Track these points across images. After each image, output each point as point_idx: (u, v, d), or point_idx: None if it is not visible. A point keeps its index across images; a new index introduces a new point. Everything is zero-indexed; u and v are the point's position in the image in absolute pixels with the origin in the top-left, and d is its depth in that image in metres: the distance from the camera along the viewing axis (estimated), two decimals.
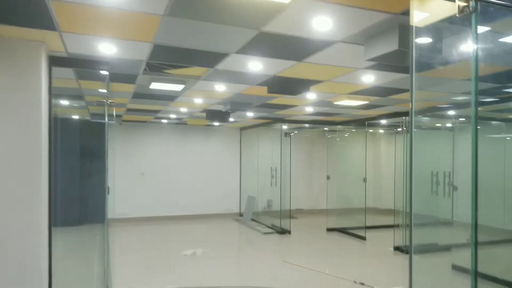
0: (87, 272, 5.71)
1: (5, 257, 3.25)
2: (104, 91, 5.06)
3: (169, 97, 6.17)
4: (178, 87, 5.07)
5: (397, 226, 7.68)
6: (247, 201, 10.72)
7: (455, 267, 6.08)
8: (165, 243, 7.69)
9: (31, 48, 3.31)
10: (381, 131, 11.82)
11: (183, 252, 6.78)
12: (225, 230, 9.28)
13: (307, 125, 10.00)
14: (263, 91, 5.39)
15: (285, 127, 10.07)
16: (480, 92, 1.83)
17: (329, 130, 11.06)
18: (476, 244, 1.81)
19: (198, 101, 6.52)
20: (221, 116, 7.76)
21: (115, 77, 4.82)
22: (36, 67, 3.32)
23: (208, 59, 3.92)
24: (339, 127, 10.13)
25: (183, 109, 7.64)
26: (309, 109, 7.43)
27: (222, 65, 4.14)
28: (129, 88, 5.49)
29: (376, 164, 12.04)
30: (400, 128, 9.02)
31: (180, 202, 10.65)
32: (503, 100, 6.26)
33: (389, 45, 2.93)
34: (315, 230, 9.26)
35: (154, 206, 10.41)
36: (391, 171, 11.16)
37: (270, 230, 9.04)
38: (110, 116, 7.89)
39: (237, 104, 6.54)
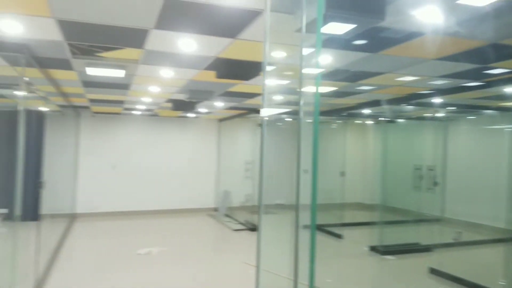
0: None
1: None
2: (26, 78, 4.62)
3: (120, 85, 5.75)
4: (120, 73, 4.64)
5: (373, 223, 7.25)
6: (222, 195, 10.32)
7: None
8: (125, 240, 7.30)
9: None
10: (360, 121, 11.33)
11: (137, 251, 6.39)
12: (194, 226, 8.88)
13: (284, 116, 9.53)
14: (212, 76, 4.95)
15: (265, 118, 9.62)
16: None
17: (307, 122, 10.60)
18: None
19: (154, 89, 6.08)
20: (187, 106, 7.33)
21: (47, 63, 4.40)
22: None
23: (130, 38, 3.48)
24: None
25: (146, 99, 7.21)
26: (278, 98, 6.97)
27: (150, 45, 3.70)
28: (72, 75, 5.06)
29: (361, 157, 11.56)
30: (379, 118, 8.57)
31: (153, 197, 10.27)
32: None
33: None
34: (290, 227, 8.81)
35: (126, 200, 10.03)
36: (368, 164, 10.72)
37: (241, 227, 8.64)
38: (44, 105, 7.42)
39: (197, 92, 6.10)
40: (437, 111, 8.27)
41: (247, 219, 9.03)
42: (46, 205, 7.56)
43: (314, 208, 1.83)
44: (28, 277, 4.75)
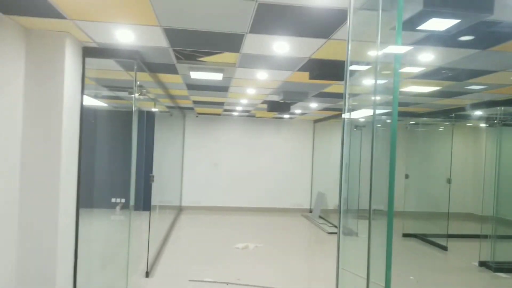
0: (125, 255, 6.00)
1: (36, 238, 3.49)
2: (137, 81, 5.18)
3: (220, 87, 6.11)
4: (218, 76, 4.95)
5: (484, 236, 6.49)
6: (316, 197, 10.25)
7: None
8: (224, 234, 7.72)
9: (54, 39, 3.48)
10: (470, 124, 10.18)
11: (235, 245, 6.70)
12: (288, 226, 8.98)
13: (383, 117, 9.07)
14: (306, 77, 4.97)
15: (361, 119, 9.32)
16: None
17: (410, 123, 9.91)
18: None
19: (251, 91, 6.33)
20: (282, 107, 7.46)
21: (156, 68, 4.90)
22: (59, 58, 3.48)
23: (228, 42, 3.70)
24: (422, 119, 9.00)
25: (243, 101, 7.54)
26: (368, 98, 6.68)
27: (246, 48, 3.88)
28: (177, 78, 5.55)
29: (463, 163, 10.42)
30: (494, 120, 7.64)
31: (250, 194, 10.66)
32: None
33: None
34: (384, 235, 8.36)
35: (225, 196, 10.60)
36: (479, 171, 9.58)
37: (336, 230, 8.46)
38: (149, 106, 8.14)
39: (290, 93, 6.19)
40: None
41: (343, 223, 8.84)
42: (157, 197, 8.42)
43: (391, 214, 1.76)
44: (141, 260, 5.37)
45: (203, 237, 7.42)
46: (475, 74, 4.55)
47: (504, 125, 6.66)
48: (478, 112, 7.76)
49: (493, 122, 8.03)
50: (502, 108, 6.61)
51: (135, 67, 4.28)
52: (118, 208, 9.47)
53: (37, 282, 3.48)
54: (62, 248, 3.61)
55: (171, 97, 7.41)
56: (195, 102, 8.02)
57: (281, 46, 3.76)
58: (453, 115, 7.98)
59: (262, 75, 5.06)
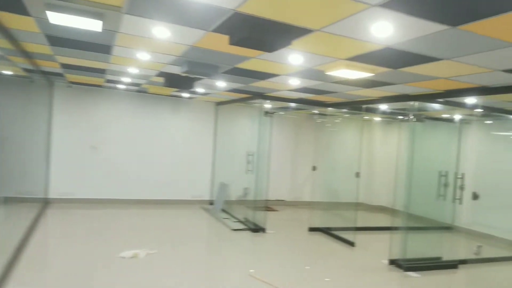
0: None
1: None
2: None
3: (100, 46, 4.44)
4: (95, 24, 3.34)
5: (395, 229, 6.18)
6: (219, 188, 9.15)
7: None
8: (105, 238, 6.05)
9: None
10: (379, 118, 10.21)
11: (121, 254, 5.18)
12: (187, 223, 7.68)
13: (293, 104, 8.32)
14: (223, 42, 3.69)
15: (268, 106, 8.39)
16: None
17: (318, 113, 9.42)
18: None
19: (144, 56, 4.78)
20: (183, 82, 6.05)
21: None
22: None
23: None
24: (330, 109, 8.50)
25: (133, 70, 5.89)
26: (295, 82, 5.75)
27: None
28: (30, 24, 3.73)
29: (370, 156, 10.47)
30: (406, 116, 7.48)
31: (139, 185, 9.02)
32: None
33: None
34: (295, 229, 7.73)
35: (107, 186, 8.76)
36: (389, 165, 9.70)
37: (242, 226, 7.51)
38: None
39: (197, 65, 4.83)
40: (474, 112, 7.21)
41: (247, 217, 7.92)
42: (5, 187, 6.31)
43: None
44: None
45: (76, 242, 5.67)
46: (417, 60, 3.84)
47: (417, 120, 6.40)
48: (393, 106, 7.48)
49: (406, 117, 7.91)
50: (417, 103, 6.31)
51: None
52: None
53: None
54: None
55: (27, 55, 5.36)
56: (64, 65, 6.04)
57: None
58: (362, 108, 7.57)
59: (161, 31, 3.60)
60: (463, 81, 4.63)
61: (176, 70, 5.42)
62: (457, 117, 7.76)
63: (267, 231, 7.31)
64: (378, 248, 6.71)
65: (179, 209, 8.86)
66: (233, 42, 3.36)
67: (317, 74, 4.99)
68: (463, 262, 6.09)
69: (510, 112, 6.73)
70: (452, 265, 5.93)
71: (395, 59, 3.86)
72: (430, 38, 3.11)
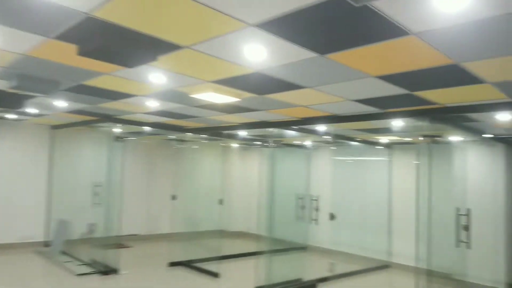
0: None
1: None
2: None
3: None
4: None
5: (260, 253, 6.14)
6: (57, 226, 7.71)
7: None
8: None
9: None
10: (237, 144, 10.37)
11: None
12: (16, 272, 6.10)
13: (148, 128, 7.69)
14: (69, 52, 3.01)
15: (118, 130, 7.57)
16: None
17: (177, 139, 8.99)
18: None
19: None
20: (10, 101, 4.87)
21: None
22: None
23: None
24: (189, 135, 8.18)
25: None
26: (153, 104, 5.24)
27: None
28: None
29: (229, 182, 10.50)
30: (265, 142, 7.71)
31: None
32: None
33: None
34: (154, 266, 6.98)
35: None
36: (248, 190, 9.87)
37: (89, 270, 6.39)
38: None
39: (31, 79, 3.90)
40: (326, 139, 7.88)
41: (94, 257, 6.78)
42: None
43: None
44: None
45: None
46: (284, 87, 3.89)
47: (276, 146, 6.63)
48: (252, 132, 7.59)
49: (265, 143, 8.13)
50: (276, 130, 6.55)
51: None
52: None
53: None
54: None
55: None
56: None
57: None
58: (222, 133, 7.51)
59: None
60: (318, 109, 4.94)
61: (1, 84, 4.30)
62: (308, 143, 8.42)
63: (120, 272, 6.41)
64: (243, 276, 6.57)
65: (3, 254, 7.09)
66: (83, 53, 2.75)
67: (180, 97, 4.63)
68: (323, 280, 6.40)
69: (350, 138, 7.60)
70: (311, 285, 6.17)
71: (263, 84, 3.81)
72: (299, 65, 3.13)
